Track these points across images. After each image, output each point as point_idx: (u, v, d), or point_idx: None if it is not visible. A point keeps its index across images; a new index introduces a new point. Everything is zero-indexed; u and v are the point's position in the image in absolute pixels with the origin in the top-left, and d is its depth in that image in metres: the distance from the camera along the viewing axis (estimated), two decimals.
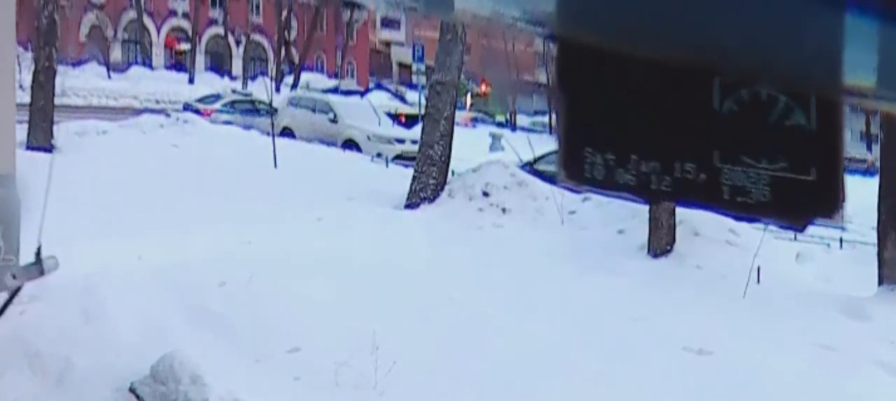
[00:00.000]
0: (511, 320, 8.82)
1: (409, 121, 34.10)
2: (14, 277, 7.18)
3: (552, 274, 10.83)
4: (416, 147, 17.21)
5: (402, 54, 62.97)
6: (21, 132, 13.71)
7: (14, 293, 7.15)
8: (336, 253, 10.21)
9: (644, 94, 1.40)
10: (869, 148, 42.18)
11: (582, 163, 1.47)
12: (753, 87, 1.36)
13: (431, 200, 15.25)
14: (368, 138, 26.87)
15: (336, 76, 56.05)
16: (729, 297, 10.55)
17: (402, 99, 48.65)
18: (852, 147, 42.30)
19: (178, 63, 54.33)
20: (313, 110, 28.76)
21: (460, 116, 25.60)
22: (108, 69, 47.21)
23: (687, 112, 1.39)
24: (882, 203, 11.53)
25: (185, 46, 54.55)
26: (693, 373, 8.06)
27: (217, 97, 32.80)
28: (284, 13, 55.36)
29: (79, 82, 35.87)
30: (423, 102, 23.98)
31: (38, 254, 7.08)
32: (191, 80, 48.15)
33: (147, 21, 55.33)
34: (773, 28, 1.11)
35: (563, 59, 1.48)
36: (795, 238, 13.99)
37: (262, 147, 19.22)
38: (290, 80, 50.67)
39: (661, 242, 12.51)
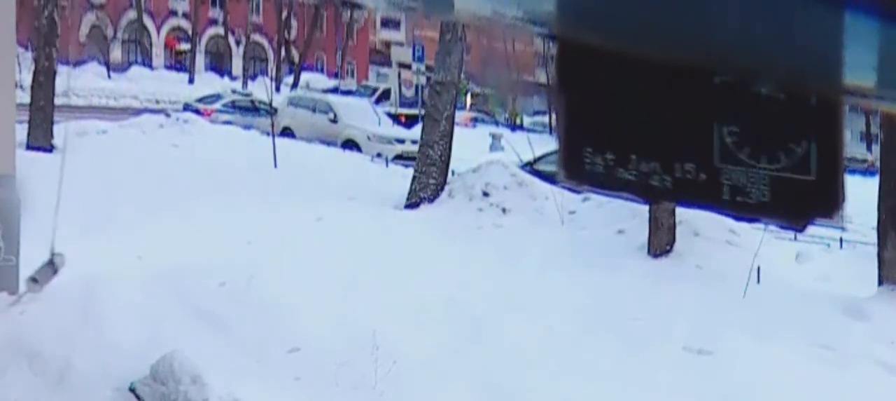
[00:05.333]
0: (511, 319, 8.81)
1: (409, 121, 34.08)
2: (35, 281, 7.21)
3: (552, 274, 10.82)
4: (416, 147, 17.21)
5: (402, 54, 62.90)
6: (21, 132, 13.71)
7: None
8: (336, 253, 10.21)
9: (644, 94, 1.40)
10: (869, 148, 42.15)
11: (582, 163, 1.47)
12: (753, 87, 1.36)
13: (431, 200, 15.25)
14: (368, 138, 26.85)
15: (336, 76, 56.01)
16: (729, 297, 10.54)
17: None
18: (852, 147, 42.26)
19: (178, 63, 54.29)
20: (313, 110, 28.75)
21: (460, 116, 25.58)
22: (108, 69, 47.19)
23: (687, 112, 1.39)
24: (882, 203, 11.52)
25: (185, 46, 54.51)
26: (693, 373, 8.06)
27: (217, 97, 32.77)
28: (284, 13, 55.32)
29: (79, 82, 35.86)
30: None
31: (51, 255, 7.12)
32: (191, 81, 48.12)
33: (147, 21, 55.29)
34: (773, 28, 1.11)
35: (563, 59, 1.48)
36: (795, 238, 13.98)
37: (262, 147, 19.21)
38: (290, 80, 50.64)
39: (661, 242, 12.51)
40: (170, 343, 6.97)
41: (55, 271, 7.26)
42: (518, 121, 52.60)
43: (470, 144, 25.52)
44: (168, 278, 8.61)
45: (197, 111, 27.63)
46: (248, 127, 23.95)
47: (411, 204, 15.24)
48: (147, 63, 52.75)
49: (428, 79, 25.71)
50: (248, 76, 49.81)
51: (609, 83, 1.42)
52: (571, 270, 11.16)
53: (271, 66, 53.64)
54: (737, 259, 11.65)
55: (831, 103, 1.35)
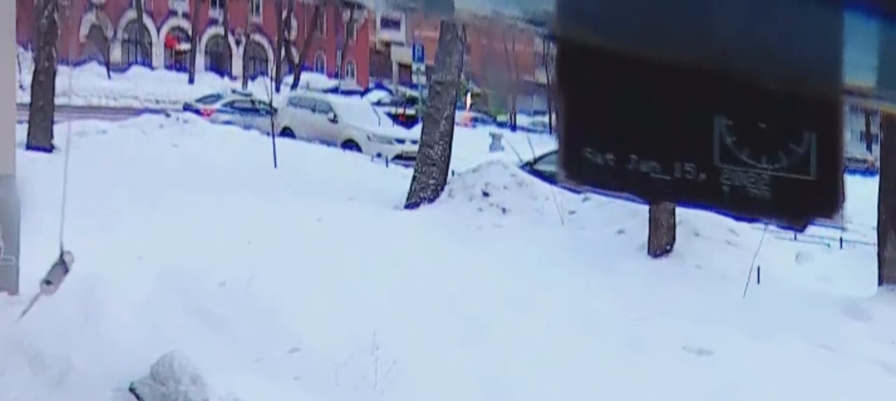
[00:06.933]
0: (511, 319, 8.81)
1: (409, 121, 34.09)
2: (50, 282, 7.21)
3: (552, 274, 10.82)
4: (416, 147, 17.22)
5: (402, 54, 62.94)
6: (21, 132, 13.70)
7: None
8: (336, 253, 10.21)
9: (644, 94, 1.40)
10: (869, 148, 42.18)
11: (582, 163, 1.47)
12: (753, 87, 1.36)
13: (431, 200, 15.25)
14: (368, 138, 26.86)
15: (336, 76, 56.03)
16: (729, 297, 10.54)
17: None
18: (852, 147, 42.28)
19: (178, 63, 54.31)
20: (313, 110, 28.76)
21: (460, 115, 25.58)
22: (108, 69, 47.19)
23: (687, 112, 1.39)
24: (882, 203, 11.52)
25: (185, 46, 54.52)
26: (693, 373, 8.06)
27: (217, 97, 32.78)
28: (284, 13, 55.33)
29: (79, 82, 35.83)
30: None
31: (61, 254, 7.10)
32: (191, 81, 48.13)
33: (147, 21, 55.31)
34: (774, 28, 1.11)
35: (563, 59, 1.48)
36: (795, 238, 13.98)
37: (262, 147, 19.22)
38: (290, 80, 50.66)
39: (660, 242, 12.52)
40: (170, 343, 6.97)
41: (67, 270, 7.24)
42: (501, 117, 52.64)
43: (470, 144, 25.54)
44: (168, 278, 8.61)
45: (197, 111, 27.64)
46: (248, 127, 23.97)
47: (411, 204, 15.24)
48: (147, 63, 52.77)
49: (428, 78, 25.69)
50: (248, 76, 49.82)
51: (609, 83, 1.42)
52: (571, 270, 11.16)
53: (271, 66, 53.64)
54: (737, 259, 11.65)
55: (831, 103, 1.35)
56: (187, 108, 29.14)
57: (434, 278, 9.67)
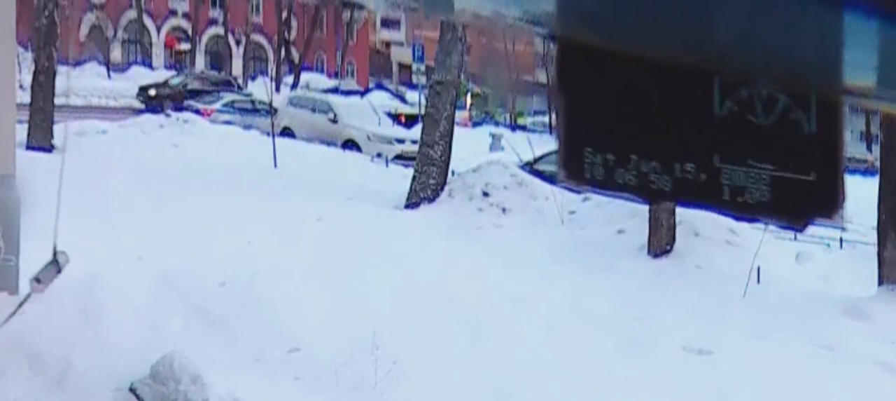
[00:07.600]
0: (511, 319, 8.82)
1: (409, 121, 34.07)
2: (39, 281, 7.21)
3: (552, 274, 10.82)
4: (416, 147, 17.21)
5: (402, 54, 62.92)
6: (21, 132, 13.69)
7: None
8: (336, 253, 10.21)
9: (644, 94, 1.40)
10: (869, 148, 42.14)
11: (582, 163, 1.47)
12: (753, 87, 1.36)
13: (431, 200, 15.24)
14: (368, 138, 26.85)
15: (336, 76, 55.99)
16: (729, 297, 10.54)
17: (402, 99, 48.60)
18: (852, 147, 42.25)
19: (178, 63, 54.28)
20: (313, 110, 28.75)
21: (460, 115, 25.57)
22: (108, 69, 47.17)
23: (687, 112, 1.39)
24: (882, 203, 11.53)
25: (185, 46, 54.52)
26: (693, 373, 8.07)
27: (217, 97, 32.77)
28: (284, 13, 55.31)
29: (79, 82, 35.80)
30: (423, 101, 24.00)
31: (54, 254, 7.12)
32: None
33: (147, 21, 55.26)
34: (773, 28, 1.11)
35: (563, 59, 1.48)
36: (795, 238, 13.98)
37: (263, 147, 19.22)
38: (290, 80, 50.64)
39: (660, 242, 12.51)
40: (170, 343, 6.97)
41: (59, 270, 7.25)
42: (499, 116, 52.64)
43: (470, 144, 25.53)
44: (168, 278, 8.61)
45: (197, 111, 27.62)
46: (248, 127, 23.95)
47: (411, 204, 15.23)
48: (147, 63, 52.70)
49: (428, 78, 25.70)
50: (248, 76, 49.79)
51: (609, 83, 1.42)
52: (571, 270, 11.16)
53: (271, 66, 53.61)
54: (737, 259, 11.65)
55: (831, 103, 1.35)
56: (183, 108, 29.08)
57: (434, 278, 9.67)
